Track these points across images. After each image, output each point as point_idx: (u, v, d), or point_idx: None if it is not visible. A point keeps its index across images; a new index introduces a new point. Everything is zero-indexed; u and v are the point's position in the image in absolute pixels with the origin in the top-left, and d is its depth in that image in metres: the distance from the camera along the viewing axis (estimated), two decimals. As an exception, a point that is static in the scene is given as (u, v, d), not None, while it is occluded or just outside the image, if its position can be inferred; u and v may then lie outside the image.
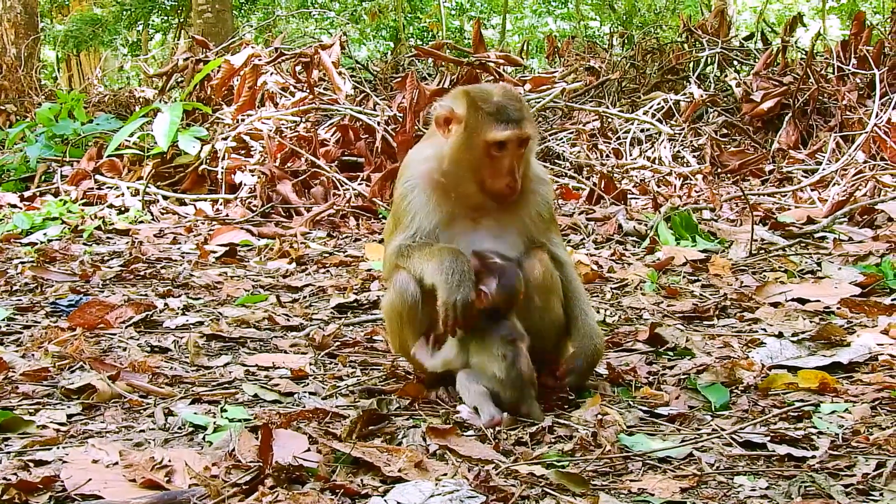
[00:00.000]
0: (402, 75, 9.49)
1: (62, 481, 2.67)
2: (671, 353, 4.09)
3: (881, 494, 2.61)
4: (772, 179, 9.30)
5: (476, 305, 3.25)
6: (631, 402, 3.44)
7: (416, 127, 8.44)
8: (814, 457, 2.85)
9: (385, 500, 2.57)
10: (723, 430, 3.10)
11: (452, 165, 3.42)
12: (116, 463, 2.81)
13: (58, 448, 2.98)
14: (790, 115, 10.42)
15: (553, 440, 3.06)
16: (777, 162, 9.72)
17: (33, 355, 4.03)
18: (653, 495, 2.64)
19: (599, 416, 3.12)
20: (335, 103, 9.38)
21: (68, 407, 3.42)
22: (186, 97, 9.94)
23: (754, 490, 2.66)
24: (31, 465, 2.83)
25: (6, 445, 3.01)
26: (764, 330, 4.40)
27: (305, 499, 2.44)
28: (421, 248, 3.39)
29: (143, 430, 3.19)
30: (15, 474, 2.72)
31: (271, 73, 9.69)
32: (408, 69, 11.18)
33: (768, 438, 3.00)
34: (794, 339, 4.12)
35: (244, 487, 2.58)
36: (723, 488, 2.69)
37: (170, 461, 2.80)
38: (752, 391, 3.53)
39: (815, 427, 3.13)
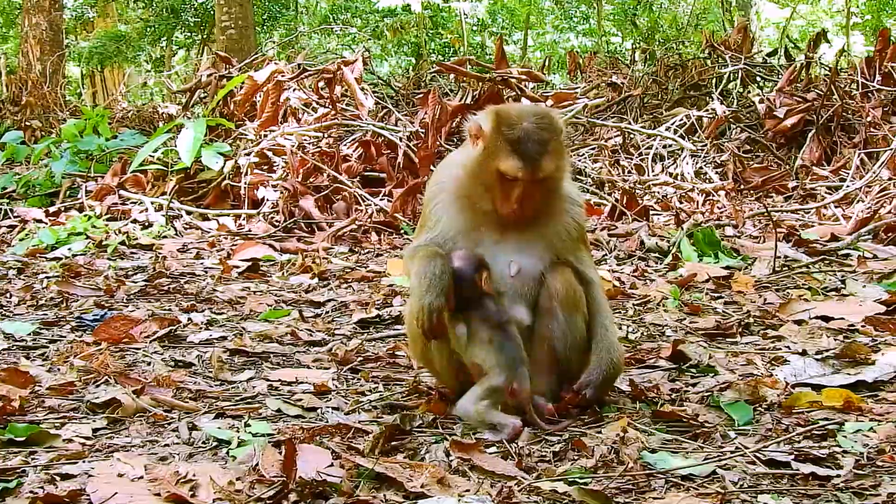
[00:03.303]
0: (424, 91, 9.54)
1: (88, 495, 2.71)
2: (694, 371, 4.08)
3: (907, 514, 2.60)
4: (795, 196, 9.28)
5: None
6: (654, 414, 3.44)
7: (437, 143, 8.48)
8: (838, 476, 2.84)
9: (408, 516, 2.59)
10: (746, 447, 3.09)
11: (470, 178, 3.46)
12: (142, 477, 2.84)
13: (84, 462, 3.01)
14: (814, 131, 10.39)
15: (576, 457, 3.06)
16: (800, 179, 9.70)
17: (59, 369, 4.09)
18: (676, 513, 2.64)
19: (621, 434, 3.12)
20: (357, 119, 9.44)
21: (94, 421, 3.46)
22: (210, 113, 10.02)
23: (778, 509, 2.66)
24: (58, 478, 2.86)
25: (33, 459, 3.05)
26: (788, 348, 4.39)
27: (329, 513, 2.46)
28: (420, 251, 3.44)
29: (167, 445, 3.22)
30: (42, 488, 2.75)
31: (294, 89, 9.76)
32: (430, 85, 11.24)
33: (792, 457, 2.99)
34: (818, 357, 4.10)
35: (268, 502, 2.61)
36: (747, 507, 2.69)
37: (194, 475, 2.82)
38: (776, 409, 3.51)
39: (840, 446, 3.11)
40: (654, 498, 2.76)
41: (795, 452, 3.02)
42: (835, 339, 4.48)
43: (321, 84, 9.81)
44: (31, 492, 2.72)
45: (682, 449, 3.16)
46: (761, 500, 2.72)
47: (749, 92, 12.06)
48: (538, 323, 3.45)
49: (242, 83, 9.73)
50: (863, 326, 4.69)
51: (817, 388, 3.71)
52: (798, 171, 10.02)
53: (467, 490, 2.77)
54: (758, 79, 12.39)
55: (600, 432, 3.25)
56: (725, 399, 3.57)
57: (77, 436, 3.28)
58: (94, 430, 3.36)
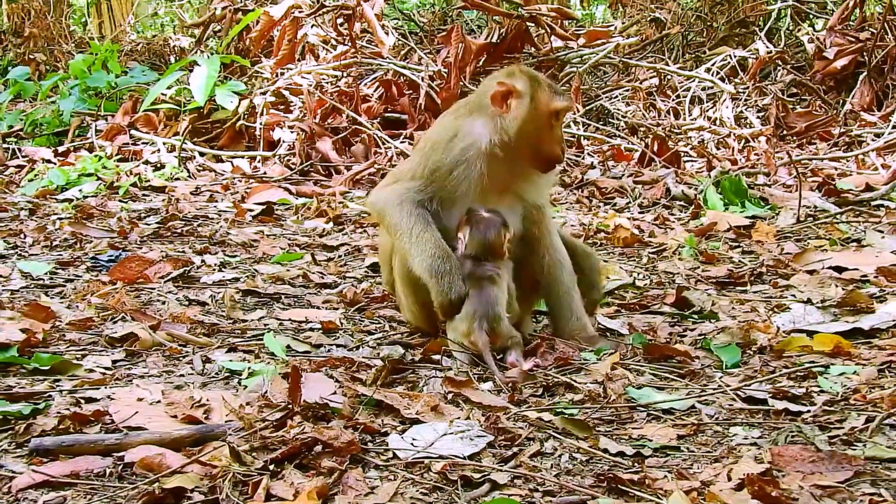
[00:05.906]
0: (448, 28, 9.94)
1: (111, 415, 3.25)
2: (696, 317, 4.56)
3: (864, 445, 3.06)
4: (840, 143, 9.62)
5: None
6: (646, 353, 3.95)
7: (461, 83, 8.91)
8: (808, 411, 3.32)
9: (402, 437, 3.10)
10: (728, 386, 3.58)
11: (516, 136, 4.06)
12: (159, 401, 3.38)
13: (105, 388, 3.56)
14: (865, 74, 10.67)
15: (564, 392, 3.57)
16: (847, 125, 10.01)
17: (77, 306, 4.63)
18: (650, 440, 3.13)
19: (608, 371, 3.62)
20: (378, 57, 9.87)
21: (112, 353, 4.00)
22: (224, 49, 10.49)
23: (746, 439, 3.14)
24: (83, 401, 3.41)
25: (58, 385, 3.59)
26: (793, 296, 4.84)
27: (329, 431, 2.97)
28: (419, 229, 3.99)
29: (182, 375, 3.76)
30: (68, 409, 3.30)
31: (312, 25, 10.19)
32: (455, 21, 11.62)
33: (770, 395, 3.47)
34: (821, 305, 4.56)
35: (275, 423, 3.13)
36: (717, 436, 3.18)
37: (208, 400, 3.36)
38: (767, 352, 3.99)
39: (819, 386, 3.58)
40: (634, 428, 3.25)
41: (774, 391, 3.50)
42: (843, 289, 4.91)
43: (340, 20, 10.23)
44: (58, 412, 3.26)
45: (668, 386, 3.65)
46: (732, 431, 3.21)
47: (800, 30, 12.31)
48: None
49: (258, 18, 10.18)
50: (875, 277, 5.12)
51: (811, 333, 4.17)
52: (846, 116, 10.33)
53: (458, 417, 3.28)
54: (810, 16, 12.63)
55: (591, 370, 3.75)
56: (718, 342, 4.05)
57: (98, 366, 3.83)
58: (114, 362, 3.91)
